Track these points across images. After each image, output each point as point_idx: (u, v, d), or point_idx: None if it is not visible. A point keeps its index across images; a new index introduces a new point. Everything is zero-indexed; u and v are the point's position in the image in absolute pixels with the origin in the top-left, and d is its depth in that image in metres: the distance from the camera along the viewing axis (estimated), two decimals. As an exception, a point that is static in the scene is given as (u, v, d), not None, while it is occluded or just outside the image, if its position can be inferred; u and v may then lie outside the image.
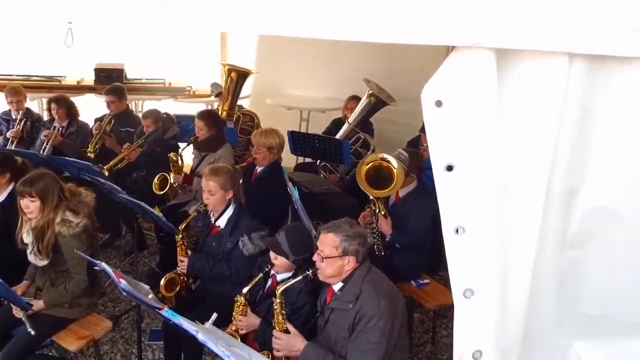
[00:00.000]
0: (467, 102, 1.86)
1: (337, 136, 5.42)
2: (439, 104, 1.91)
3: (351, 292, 2.68)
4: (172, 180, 4.89)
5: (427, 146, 4.90)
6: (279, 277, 3.12)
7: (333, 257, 2.68)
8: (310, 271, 2.75)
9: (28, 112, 5.86)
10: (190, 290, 3.69)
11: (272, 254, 3.07)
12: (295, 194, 3.78)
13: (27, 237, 3.34)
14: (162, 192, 4.90)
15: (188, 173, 5.00)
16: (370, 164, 3.85)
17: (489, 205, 1.89)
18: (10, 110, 5.78)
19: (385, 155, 3.84)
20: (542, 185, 1.95)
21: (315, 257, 2.74)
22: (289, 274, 3.08)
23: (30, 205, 3.28)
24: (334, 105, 6.41)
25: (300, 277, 2.78)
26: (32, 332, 3.17)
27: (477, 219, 1.89)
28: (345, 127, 5.53)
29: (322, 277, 2.75)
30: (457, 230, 1.90)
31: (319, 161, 5.37)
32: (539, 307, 2.09)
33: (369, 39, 1.80)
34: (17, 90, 5.73)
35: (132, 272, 4.70)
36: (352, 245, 2.68)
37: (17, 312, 3.22)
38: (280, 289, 2.81)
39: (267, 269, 3.08)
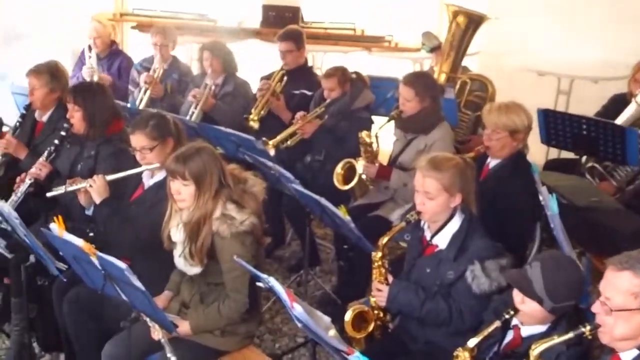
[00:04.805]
0: None
1: (618, 121, 5.21)
2: None
3: None
4: (361, 171, 5.05)
5: None
6: (525, 331, 3.08)
7: (630, 309, 2.57)
8: (587, 327, 2.66)
9: (174, 62, 6.41)
10: (386, 332, 3.77)
11: (516, 295, 3.03)
12: (552, 205, 3.71)
13: (176, 234, 3.64)
14: (346, 187, 5.07)
15: (385, 163, 5.12)
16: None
17: None
18: (153, 56, 6.36)
19: None
20: None
21: (596, 308, 2.65)
22: (542, 328, 3.03)
23: (182, 191, 3.56)
24: (613, 74, 6.22)
25: (569, 335, 2.69)
26: (173, 359, 3.44)
27: None
28: (632, 109, 5.30)
29: (606, 340, 2.65)
30: None
31: (584, 158, 5.24)
32: None
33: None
34: (166, 31, 6.31)
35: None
36: None
37: (156, 334, 3.51)
38: (536, 348, 2.74)
39: (507, 316, 3.04)
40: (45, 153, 4.59)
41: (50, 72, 4.95)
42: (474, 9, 6.12)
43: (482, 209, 3.79)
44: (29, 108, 5.05)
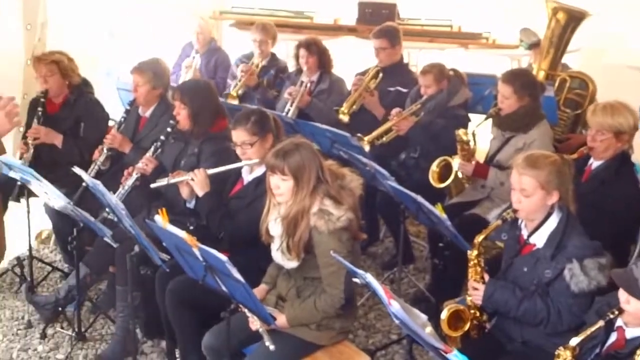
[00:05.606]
0: None
1: None
2: None
3: None
4: (457, 169, 5.03)
5: None
6: (630, 333, 3.03)
7: None
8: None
9: (273, 59, 6.52)
10: (483, 331, 3.76)
11: (621, 295, 2.98)
12: (655, 205, 3.65)
13: (274, 228, 3.72)
14: (442, 185, 5.07)
15: (482, 161, 5.09)
16: None
17: None
18: (252, 52, 6.50)
19: None
20: None
21: None
22: (649, 330, 2.98)
23: (280, 185, 3.63)
24: None
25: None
26: (272, 347, 3.51)
27: None
28: None
29: None
30: None
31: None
32: None
33: None
34: (266, 27, 6.43)
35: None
36: None
37: (254, 324, 3.60)
38: (641, 352, 2.70)
39: (611, 317, 3.00)
40: (152, 149, 4.73)
41: (153, 70, 5.09)
42: (575, 5, 5.99)
43: (583, 209, 3.74)
44: (132, 104, 5.21)
